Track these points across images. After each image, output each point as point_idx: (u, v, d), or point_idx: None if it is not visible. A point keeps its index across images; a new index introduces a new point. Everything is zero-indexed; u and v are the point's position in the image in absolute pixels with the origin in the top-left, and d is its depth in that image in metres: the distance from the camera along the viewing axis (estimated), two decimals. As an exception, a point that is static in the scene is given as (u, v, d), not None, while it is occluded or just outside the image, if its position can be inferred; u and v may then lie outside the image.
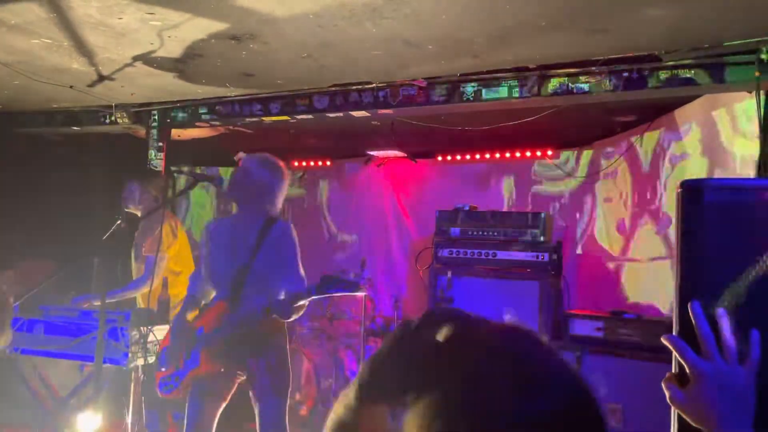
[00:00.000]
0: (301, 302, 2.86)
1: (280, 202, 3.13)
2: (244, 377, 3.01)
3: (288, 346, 3.09)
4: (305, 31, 3.06)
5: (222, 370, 2.96)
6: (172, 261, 4.05)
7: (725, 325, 0.97)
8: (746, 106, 3.31)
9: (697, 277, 1.02)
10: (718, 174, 3.60)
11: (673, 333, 1.02)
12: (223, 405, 3.03)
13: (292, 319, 2.94)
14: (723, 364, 0.95)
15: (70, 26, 3.15)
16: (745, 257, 1.01)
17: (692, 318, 0.98)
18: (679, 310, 1.02)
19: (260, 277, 2.95)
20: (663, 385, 0.98)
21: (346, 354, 5.39)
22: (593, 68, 3.44)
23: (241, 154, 4.66)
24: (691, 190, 1.05)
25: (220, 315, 2.95)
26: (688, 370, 0.95)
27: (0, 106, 4.96)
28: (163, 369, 2.99)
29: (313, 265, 6.17)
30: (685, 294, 1.02)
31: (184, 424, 2.98)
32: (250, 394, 3.00)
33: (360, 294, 2.92)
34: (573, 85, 3.51)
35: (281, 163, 3.16)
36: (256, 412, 2.97)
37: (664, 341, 1.00)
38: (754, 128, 3.14)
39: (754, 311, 0.99)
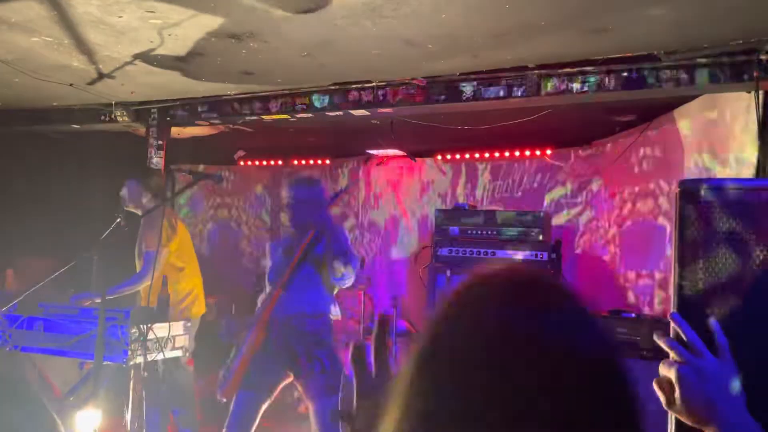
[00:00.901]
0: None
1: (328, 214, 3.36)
2: (292, 377, 3.15)
3: (337, 347, 3.26)
4: (305, 29, 3.06)
5: (261, 346, 3.08)
6: (174, 256, 4.05)
7: (683, 324, 0.99)
8: (744, 105, 3.32)
9: (694, 277, 1.03)
10: (716, 174, 3.61)
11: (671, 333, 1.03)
12: (269, 402, 3.14)
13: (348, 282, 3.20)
14: (695, 359, 0.96)
15: (70, 24, 3.15)
16: (741, 255, 1.01)
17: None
18: (678, 308, 1.02)
19: (312, 263, 3.17)
20: (656, 390, 0.99)
21: (345, 353, 5.39)
22: (592, 68, 3.44)
23: (241, 153, 4.68)
24: (688, 190, 1.06)
25: (275, 300, 3.14)
26: (669, 375, 0.97)
27: (0, 104, 4.96)
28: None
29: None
30: (682, 293, 1.03)
31: (228, 414, 3.10)
32: (302, 391, 3.17)
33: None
34: (572, 85, 3.51)
35: (321, 182, 3.53)
36: (311, 411, 3.14)
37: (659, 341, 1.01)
38: (752, 128, 3.15)
39: (746, 308, 1.00)
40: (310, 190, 3.32)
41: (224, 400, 3.14)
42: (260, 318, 3.14)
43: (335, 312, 3.30)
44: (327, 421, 3.07)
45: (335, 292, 3.29)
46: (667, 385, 0.97)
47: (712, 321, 0.98)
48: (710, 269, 1.02)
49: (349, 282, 3.22)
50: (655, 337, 1.00)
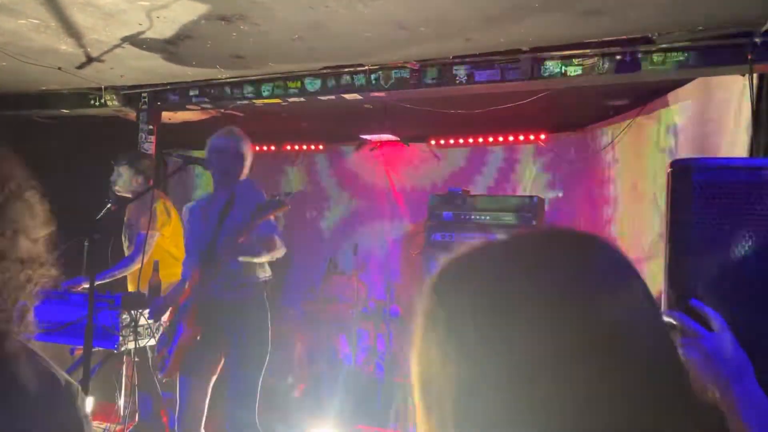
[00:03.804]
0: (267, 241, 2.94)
1: (247, 169, 3.19)
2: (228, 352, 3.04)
3: (268, 321, 3.08)
4: (296, 12, 3.02)
5: (199, 337, 2.95)
6: (170, 243, 4.01)
7: (672, 312, 0.99)
8: (738, 88, 3.31)
9: (686, 256, 1.02)
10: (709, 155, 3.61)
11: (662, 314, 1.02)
12: (213, 379, 3.06)
13: (265, 259, 3.00)
14: (693, 340, 0.96)
15: (57, 6, 3.10)
16: (732, 235, 1.00)
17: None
18: (668, 289, 1.02)
19: (231, 234, 2.95)
20: None
21: (339, 338, 5.40)
22: (586, 51, 3.42)
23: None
24: (680, 170, 1.05)
25: (194, 282, 2.97)
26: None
27: (-12, 88, 4.90)
28: (159, 351, 3.04)
29: (306, 250, 6.15)
30: (673, 273, 1.02)
31: (176, 403, 3.00)
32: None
33: (286, 208, 2.95)
34: (566, 68, 3.49)
35: (244, 133, 3.23)
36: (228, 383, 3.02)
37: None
38: (746, 110, 3.14)
39: (738, 288, 1.00)
40: (227, 140, 3.15)
41: (164, 380, 3.06)
42: (191, 296, 2.98)
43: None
44: (238, 391, 2.92)
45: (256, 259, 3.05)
46: None
47: (693, 301, 0.98)
48: (702, 249, 1.01)
49: (265, 257, 3.01)
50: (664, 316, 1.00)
